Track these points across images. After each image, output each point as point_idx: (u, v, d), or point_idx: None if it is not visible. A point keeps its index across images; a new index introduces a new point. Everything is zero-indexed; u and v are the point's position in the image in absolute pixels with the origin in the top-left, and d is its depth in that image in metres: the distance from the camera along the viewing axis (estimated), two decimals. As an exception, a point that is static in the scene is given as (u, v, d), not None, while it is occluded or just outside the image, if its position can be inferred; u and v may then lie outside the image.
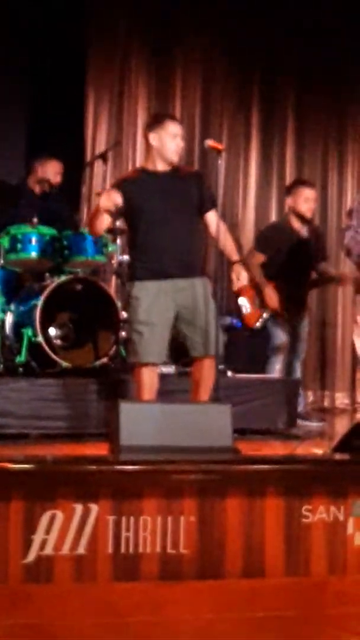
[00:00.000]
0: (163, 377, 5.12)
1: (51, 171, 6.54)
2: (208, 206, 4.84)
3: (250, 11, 8.01)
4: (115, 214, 4.82)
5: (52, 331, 5.79)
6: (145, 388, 4.65)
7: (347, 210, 6.67)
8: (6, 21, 7.40)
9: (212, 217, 4.84)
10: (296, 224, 6.41)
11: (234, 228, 8.11)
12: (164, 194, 4.72)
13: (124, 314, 6.04)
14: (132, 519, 3.09)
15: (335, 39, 8.27)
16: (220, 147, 4.84)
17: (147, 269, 4.72)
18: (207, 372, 4.75)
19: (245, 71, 8.29)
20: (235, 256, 4.95)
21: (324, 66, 8.35)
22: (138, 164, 7.80)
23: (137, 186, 4.76)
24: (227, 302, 7.50)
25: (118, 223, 6.58)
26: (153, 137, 4.77)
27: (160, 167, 4.78)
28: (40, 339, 5.61)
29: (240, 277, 4.88)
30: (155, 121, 4.90)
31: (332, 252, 8.44)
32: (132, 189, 4.75)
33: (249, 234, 8.25)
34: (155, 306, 4.67)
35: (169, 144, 4.74)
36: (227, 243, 4.91)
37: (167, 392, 5.08)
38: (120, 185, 4.83)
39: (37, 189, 6.54)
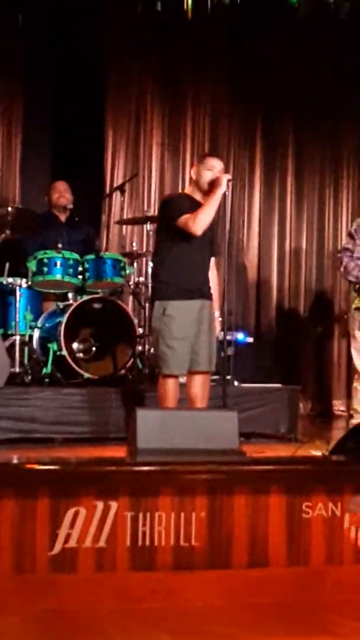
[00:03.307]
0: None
1: (57, 191, 6.53)
2: (214, 251, 4.88)
3: (252, 55, 8.06)
4: None
5: (75, 345, 5.84)
6: (170, 397, 4.62)
7: (348, 232, 6.66)
8: (31, 66, 7.47)
9: (212, 262, 4.87)
10: None
11: (239, 252, 8.14)
12: None
13: (139, 330, 6.09)
14: (148, 515, 3.09)
15: (329, 76, 8.31)
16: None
17: (180, 289, 4.64)
18: (205, 385, 4.74)
19: (249, 110, 8.31)
20: (216, 308, 4.91)
21: (318, 104, 8.37)
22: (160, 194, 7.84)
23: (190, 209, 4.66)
24: (235, 318, 7.53)
25: (135, 247, 6.66)
26: (193, 172, 4.77)
27: (198, 197, 4.69)
28: (64, 352, 5.65)
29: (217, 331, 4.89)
30: (197, 160, 4.91)
31: (329, 272, 8.51)
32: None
33: (252, 258, 8.28)
34: (186, 323, 4.63)
35: (205, 176, 4.68)
36: (215, 292, 4.87)
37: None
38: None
39: (62, 217, 6.57)
